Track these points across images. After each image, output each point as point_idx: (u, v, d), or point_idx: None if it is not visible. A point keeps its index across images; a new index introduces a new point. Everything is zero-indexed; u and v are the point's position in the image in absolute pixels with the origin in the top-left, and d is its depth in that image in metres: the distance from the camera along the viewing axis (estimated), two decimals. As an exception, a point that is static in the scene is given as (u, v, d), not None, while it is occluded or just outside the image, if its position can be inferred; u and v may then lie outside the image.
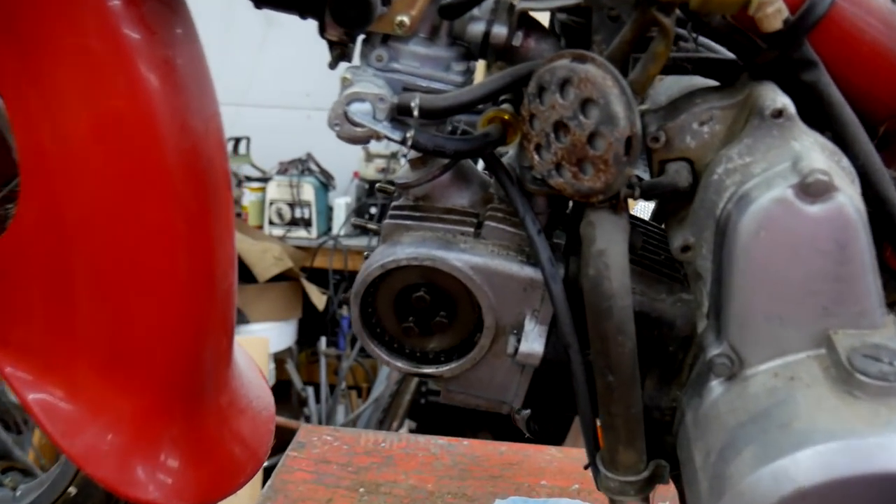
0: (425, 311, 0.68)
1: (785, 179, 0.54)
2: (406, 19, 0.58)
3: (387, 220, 0.67)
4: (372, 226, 0.73)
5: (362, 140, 0.62)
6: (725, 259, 0.56)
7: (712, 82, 0.66)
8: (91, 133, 0.66)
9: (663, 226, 0.72)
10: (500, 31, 0.61)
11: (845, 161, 0.57)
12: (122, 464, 0.70)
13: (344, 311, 3.36)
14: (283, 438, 2.12)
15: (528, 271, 0.64)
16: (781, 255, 0.54)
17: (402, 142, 0.60)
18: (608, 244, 0.59)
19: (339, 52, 0.65)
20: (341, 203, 3.41)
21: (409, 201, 0.69)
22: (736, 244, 0.55)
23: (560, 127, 0.58)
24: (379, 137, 0.60)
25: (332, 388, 3.23)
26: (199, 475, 0.74)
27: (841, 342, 0.54)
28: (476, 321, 0.68)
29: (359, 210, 3.38)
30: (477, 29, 0.61)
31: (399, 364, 0.70)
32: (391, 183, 0.76)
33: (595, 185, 0.57)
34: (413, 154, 0.69)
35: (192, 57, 0.68)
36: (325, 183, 3.49)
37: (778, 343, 0.56)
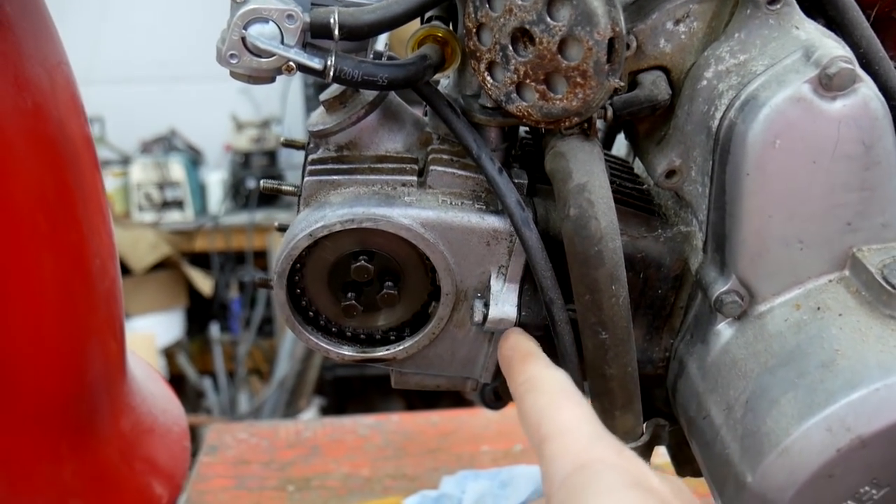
0: (368, 284, 0.55)
1: (799, 73, 0.45)
2: (308, -89, 0.45)
3: (307, 178, 0.54)
4: (288, 187, 0.59)
5: (266, 76, 0.48)
6: (731, 179, 0.47)
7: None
8: None
9: (634, 158, 0.62)
10: (430, -80, 0.48)
11: (848, 50, 0.48)
12: (1, 525, 0.55)
13: (232, 293, 3.16)
14: (187, 439, 1.95)
15: (491, 221, 0.53)
16: (801, 165, 0.45)
17: (321, 73, 0.47)
18: (588, 177, 0.48)
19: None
20: (215, 179, 3.18)
21: (331, 152, 0.56)
22: (745, 159, 0.46)
23: (520, 36, 0.46)
24: (290, 69, 0.47)
25: (230, 375, 3.05)
26: (106, 518, 0.59)
27: (869, 259, 0.46)
28: (431, 288, 0.56)
29: (234, 185, 3.16)
30: (401, -80, 0.48)
31: (343, 351, 0.58)
32: (295, 140, 0.62)
33: (570, 105, 0.46)
34: (328, 93, 0.55)
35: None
36: (195, 159, 3.24)
37: (795, 270, 0.48)
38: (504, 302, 0.55)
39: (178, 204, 3.09)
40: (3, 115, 0.48)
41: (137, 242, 2.80)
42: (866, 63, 0.49)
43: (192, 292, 3.06)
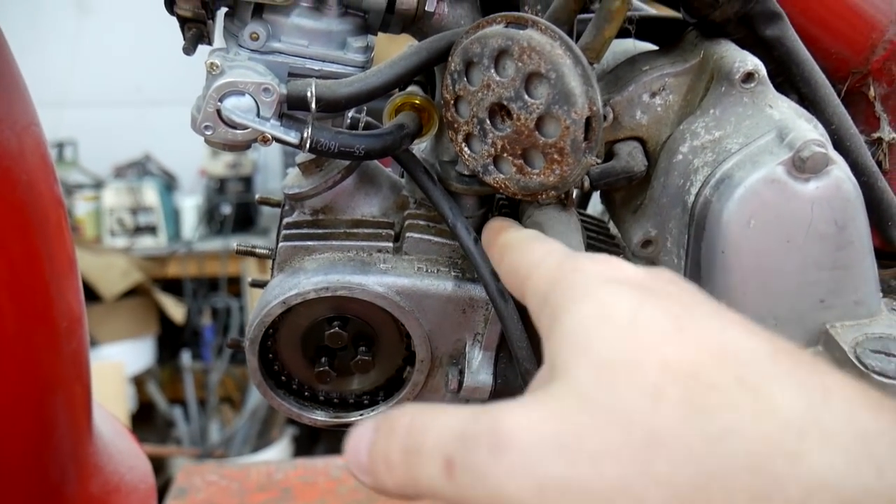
0: (342, 349, 0.55)
1: (773, 155, 0.45)
2: (287, -17, 0.44)
3: (282, 243, 0.53)
4: (261, 250, 0.58)
5: (242, 146, 0.48)
6: (706, 255, 0.47)
7: (650, 46, 0.56)
8: None
9: (609, 220, 0.62)
10: (409, -6, 0.48)
11: (821, 128, 0.49)
12: None
13: (205, 320, 3.12)
14: (155, 467, 1.91)
15: (467, 289, 0.53)
16: (775, 245, 0.46)
17: (299, 145, 0.46)
18: (566, 249, 0.48)
19: (196, 32, 0.50)
20: (189, 205, 3.15)
21: (306, 215, 0.55)
22: (719, 237, 0.46)
23: (498, 111, 0.46)
24: (266, 140, 0.46)
25: (201, 403, 3.00)
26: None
27: (842, 337, 0.47)
28: (406, 353, 0.56)
29: (209, 211, 3.13)
30: (379, -7, 0.48)
31: (315, 416, 0.57)
32: (270, 197, 0.61)
33: (547, 180, 0.46)
34: (304, 156, 0.55)
35: (-9, 51, 0.50)
36: (169, 184, 3.20)
37: (770, 345, 0.48)
38: (479, 370, 0.54)
39: (152, 229, 3.05)
40: (-32, 182, 0.47)
41: (108, 269, 2.75)
42: (838, 139, 0.50)
43: (164, 319, 3.02)
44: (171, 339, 3.10)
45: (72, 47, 3.19)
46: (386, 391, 0.57)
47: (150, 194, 3.01)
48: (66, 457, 0.59)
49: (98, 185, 3.09)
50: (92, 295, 2.75)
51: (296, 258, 0.53)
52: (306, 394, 0.57)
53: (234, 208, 3.08)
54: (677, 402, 0.27)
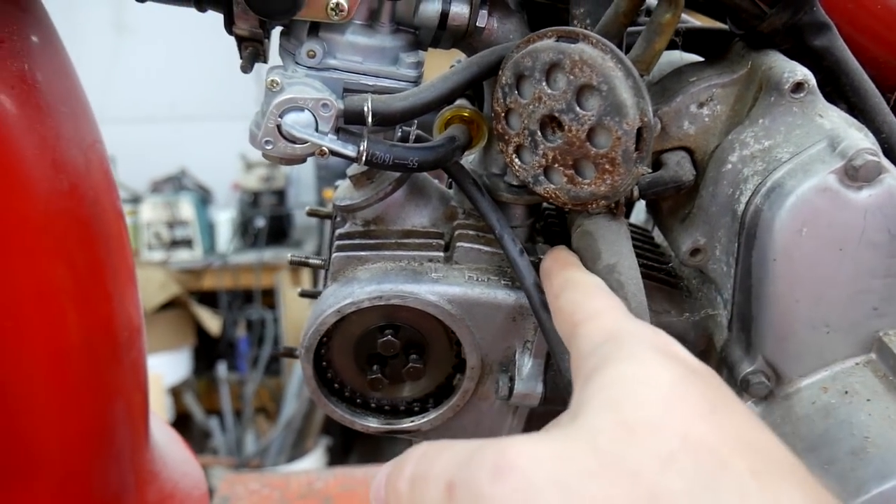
0: (394, 357, 0.56)
1: (824, 164, 0.45)
2: (343, 1, 0.46)
3: (335, 254, 0.55)
4: (314, 261, 0.60)
5: (299, 159, 0.49)
6: (757, 263, 0.48)
7: (696, 57, 0.57)
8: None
9: (654, 225, 0.63)
10: (460, 9, 0.49)
11: (871, 136, 0.49)
12: None
13: (240, 331, 3.16)
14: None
15: (516, 298, 0.53)
16: (827, 253, 0.46)
17: (356, 158, 0.48)
18: (618, 257, 0.49)
19: (253, 51, 0.52)
20: (224, 218, 3.20)
21: (358, 226, 0.57)
22: (771, 245, 0.47)
23: (549, 122, 0.47)
24: (323, 154, 0.48)
25: (237, 414, 3.03)
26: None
27: (896, 344, 0.47)
28: (456, 361, 0.57)
29: (243, 224, 3.18)
30: (432, 9, 0.49)
31: (368, 423, 0.58)
32: (320, 210, 0.63)
33: (598, 190, 0.47)
34: (355, 168, 0.56)
35: (58, 69, 0.53)
36: (204, 198, 3.26)
37: (822, 353, 0.49)
38: (530, 377, 0.55)
39: (188, 243, 3.11)
40: (41, 197, 0.49)
41: (146, 282, 2.80)
42: (888, 148, 0.50)
43: (200, 331, 3.07)
44: (208, 351, 3.14)
45: (109, 65, 3.27)
46: (436, 398, 0.58)
47: (186, 208, 3.07)
48: (125, 464, 0.61)
49: (135, 199, 3.16)
50: (130, 307, 2.81)
51: (349, 268, 0.55)
52: (358, 401, 0.58)
53: (268, 221, 3.13)
54: (687, 473, 0.28)
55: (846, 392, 0.47)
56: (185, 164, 3.32)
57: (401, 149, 0.49)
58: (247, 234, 3.17)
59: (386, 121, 0.47)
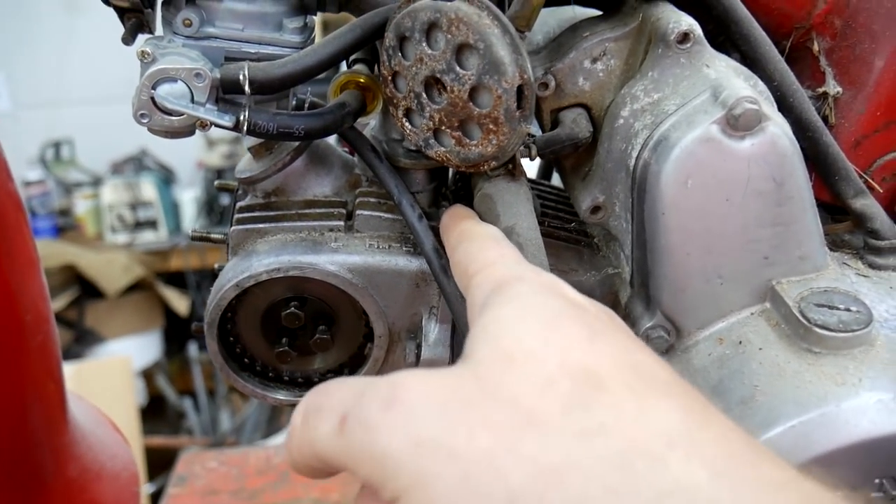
0: (301, 329, 0.55)
1: (707, 114, 0.45)
2: (216, -33, 0.44)
3: (234, 227, 0.54)
4: (216, 235, 0.59)
5: (182, 132, 0.48)
6: (648, 217, 0.48)
7: (592, 12, 0.56)
8: None
9: (560, 183, 0.62)
10: (340, -29, 0.48)
11: (761, 84, 0.49)
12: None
13: (211, 310, 3.14)
14: (167, 459, 1.92)
15: (418, 264, 0.53)
16: (714, 204, 0.46)
17: (235, 127, 0.47)
18: (516, 219, 0.48)
19: (136, 22, 0.50)
20: (188, 197, 3.16)
21: (259, 199, 0.56)
22: (659, 198, 0.46)
23: (433, 84, 0.46)
24: (203, 125, 0.47)
25: (211, 394, 3.03)
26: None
27: (787, 292, 0.47)
28: (366, 330, 0.56)
29: (208, 202, 3.14)
30: (311, -29, 0.48)
31: (279, 396, 0.58)
32: (228, 183, 0.62)
33: (486, 151, 0.46)
34: (252, 140, 0.55)
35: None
36: (167, 178, 3.22)
37: (717, 304, 0.49)
38: (437, 343, 0.55)
39: (152, 224, 3.07)
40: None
41: (110, 265, 2.77)
42: (781, 96, 0.50)
43: (169, 312, 3.04)
44: (178, 332, 3.12)
45: (63, 46, 3.19)
46: (350, 368, 0.58)
47: (149, 189, 3.03)
48: (41, 447, 0.61)
49: (96, 182, 3.11)
50: (95, 292, 2.78)
51: (248, 241, 0.54)
52: (270, 375, 0.58)
53: (233, 198, 3.09)
54: (563, 395, 0.28)
55: (740, 342, 0.47)
56: (146, 143, 3.26)
57: (285, 117, 0.48)
58: (212, 212, 3.14)
59: (265, 88, 0.46)
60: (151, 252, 3.02)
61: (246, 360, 0.57)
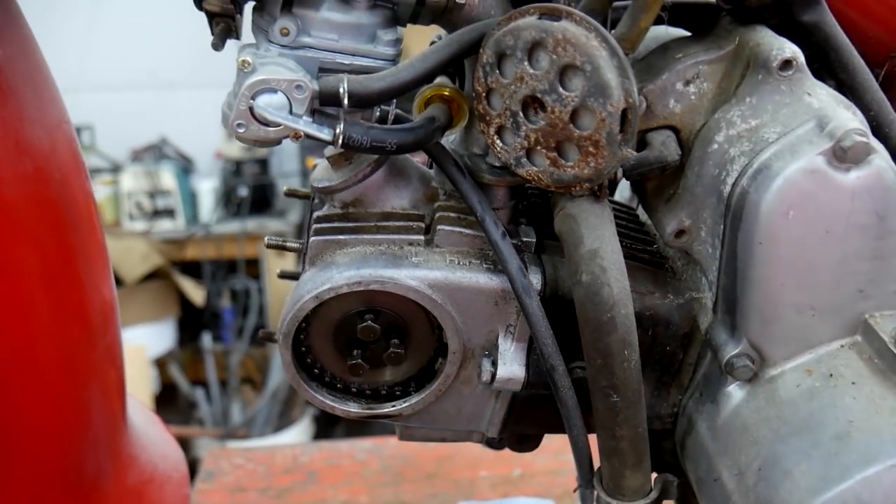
0: (374, 342, 0.55)
1: (812, 144, 0.44)
2: (317, -24, 0.44)
3: (313, 237, 0.53)
4: (293, 244, 0.58)
5: (274, 142, 0.47)
6: (742, 246, 0.47)
7: (682, 32, 0.55)
8: None
9: (637, 205, 0.62)
10: (439, -16, 0.47)
11: (859, 114, 0.48)
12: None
13: (224, 302, 3.14)
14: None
15: (498, 282, 0.52)
16: (814, 236, 0.45)
17: (332, 141, 0.46)
18: (600, 242, 0.48)
19: (224, 27, 0.50)
20: (206, 187, 3.16)
21: (336, 209, 0.55)
22: (757, 228, 0.46)
23: (531, 103, 0.46)
24: (297, 136, 0.46)
25: (223, 384, 3.03)
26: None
27: (882, 327, 0.46)
28: (437, 345, 0.56)
29: (226, 193, 3.14)
30: (409, -16, 0.47)
31: (349, 408, 0.57)
32: (298, 190, 0.61)
33: (582, 173, 0.46)
34: (332, 149, 0.55)
35: (20, 47, 0.50)
36: (186, 167, 3.21)
37: (807, 335, 0.48)
38: (512, 361, 0.54)
39: (170, 212, 3.06)
40: (3, 181, 0.47)
41: (128, 252, 2.77)
42: (877, 126, 0.49)
43: (184, 302, 3.04)
44: (192, 322, 3.12)
45: (86, 32, 3.19)
46: (418, 382, 0.57)
47: (168, 178, 3.02)
48: (102, 449, 0.60)
49: (115, 169, 3.11)
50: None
51: (327, 252, 0.53)
52: (339, 386, 0.58)
53: (251, 190, 3.09)
54: None
55: (831, 375, 0.47)
56: (166, 132, 3.26)
57: (378, 131, 0.47)
58: (230, 203, 3.13)
59: (363, 102, 0.46)
60: (168, 241, 3.02)
61: (316, 370, 0.57)
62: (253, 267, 3.11)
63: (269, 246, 0.58)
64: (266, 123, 0.45)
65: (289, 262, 3.04)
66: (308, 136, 0.45)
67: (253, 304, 3.09)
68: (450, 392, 0.57)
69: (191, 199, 3.14)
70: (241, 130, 0.45)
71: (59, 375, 0.56)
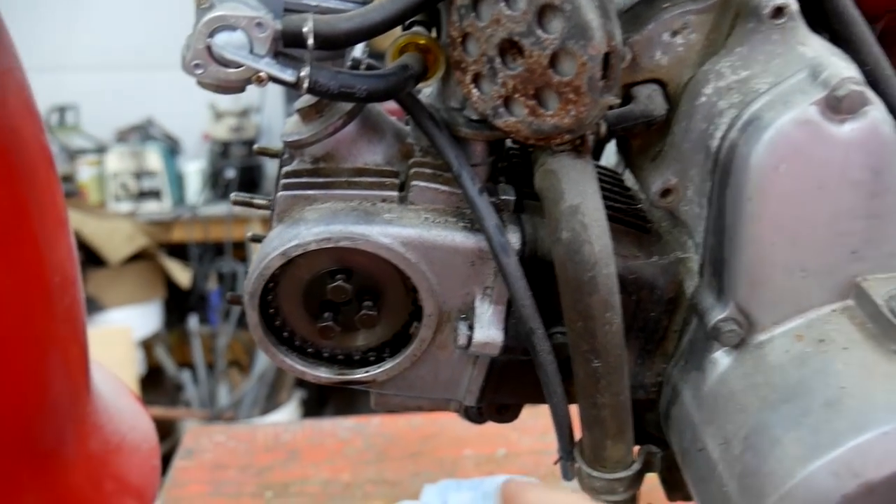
0: (346, 304, 0.52)
1: (805, 94, 0.42)
2: None
3: (281, 192, 0.51)
4: (259, 200, 0.56)
5: (235, 87, 0.45)
6: (731, 203, 0.45)
7: (671, -18, 0.53)
8: None
9: (624, 168, 0.59)
10: (413, -79, 0.45)
11: (854, 68, 0.46)
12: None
13: (211, 284, 3.11)
14: (164, 430, 1.90)
15: (475, 241, 0.50)
16: (806, 190, 0.43)
17: (295, 84, 0.43)
18: (581, 198, 0.45)
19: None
20: (193, 169, 3.12)
21: (307, 164, 0.53)
22: (746, 183, 0.43)
23: (509, 48, 0.43)
24: (261, 80, 0.43)
25: (210, 367, 3.00)
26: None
27: (875, 290, 0.44)
28: (412, 308, 0.53)
29: (213, 175, 3.10)
30: (381, -80, 0.44)
31: (319, 373, 0.55)
32: (268, 148, 0.59)
33: (562, 122, 0.43)
34: (303, 101, 0.52)
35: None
36: (172, 148, 3.18)
37: (797, 299, 0.46)
38: (490, 325, 0.52)
39: (156, 194, 3.03)
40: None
41: (113, 233, 2.74)
42: (873, 82, 0.46)
43: (170, 284, 3.01)
44: (178, 304, 3.10)
45: (72, 11, 3.14)
46: (392, 347, 0.55)
47: (154, 158, 2.99)
48: (62, 416, 0.58)
49: (101, 149, 3.07)
50: (97, 260, 2.74)
51: (296, 208, 0.51)
52: (310, 350, 0.55)
53: (239, 172, 3.05)
54: None
55: (821, 340, 0.44)
56: (152, 113, 3.21)
57: (348, 76, 0.45)
58: (217, 185, 3.10)
59: (329, 43, 0.43)
60: (154, 222, 2.98)
61: (285, 334, 0.54)
62: (240, 250, 3.08)
63: (235, 202, 0.55)
64: (225, 64, 0.42)
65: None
66: (271, 78, 0.43)
67: (240, 286, 3.05)
68: (425, 357, 0.54)
69: (177, 181, 3.11)
70: (199, 72, 0.42)
71: (14, 339, 0.53)
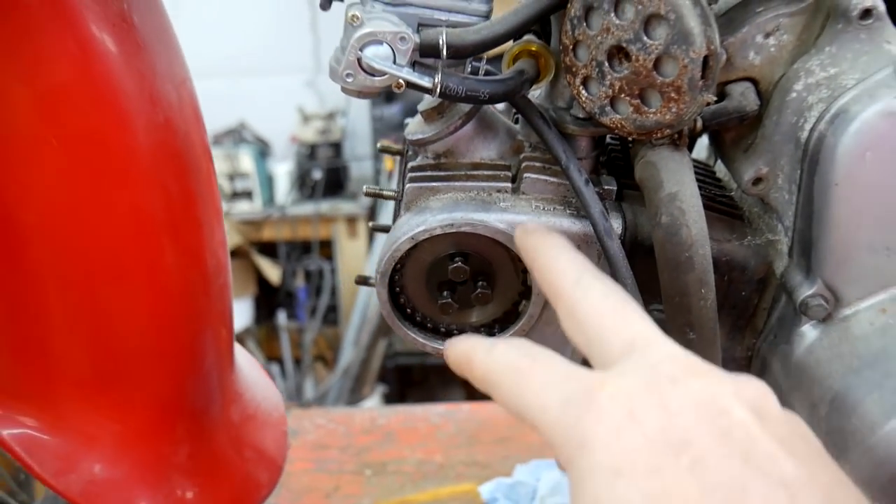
0: (463, 284, 0.59)
1: (890, 88, 0.46)
2: (418, -62, 0.48)
3: (409, 184, 0.58)
4: (388, 192, 0.63)
5: (375, 93, 0.52)
6: (819, 188, 0.49)
7: (762, -12, 0.57)
8: (38, 117, 0.53)
9: (715, 161, 0.64)
10: (530, -56, 0.51)
11: (939, 63, 0.50)
12: (129, 499, 0.60)
13: (298, 282, 3.25)
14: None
15: (581, 226, 0.56)
16: (890, 176, 0.47)
17: (429, 90, 0.50)
18: (679, 186, 0.51)
19: (331, -11, 0.54)
20: (282, 170, 3.27)
21: (429, 159, 0.60)
22: (834, 170, 0.48)
23: (616, 53, 0.49)
24: (399, 86, 0.50)
25: (297, 361, 3.14)
26: (218, 500, 0.64)
27: (957, 267, 0.48)
28: (522, 288, 0.60)
29: (301, 176, 3.24)
30: (502, -56, 0.51)
31: (438, 345, 0.61)
32: (391, 146, 0.66)
33: (663, 119, 0.49)
34: (425, 104, 0.59)
35: (151, 7, 0.56)
36: (263, 150, 3.33)
37: (882, 275, 0.50)
38: (593, 302, 0.57)
39: (248, 194, 3.19)
40: (140, 130, 0.53)
41: (210, 232, 2.89)
42: (956, 75, 0.50)
43: (261, 280, 3.16)
44: (268, 300, 3.25)
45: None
46: (502, 324, 0.61)
47: (246, 161, 3.14)
48: (213, 383, 0.66)
49: (198, 152, 3.23)
50: (194, 257, 2.91)
51: (421, 198, 0.58)
52: (429, 326, 0.62)
53: (325, 173, 3.18)
54: None
55: (905, 313, 0.48)
56: (244, 117, 3.38)
57: (473, 81, 0.51)
58: (304, 186, 3.24)
59: (459, 53, 0.50)
60: (246, 222, 3.14)
61: (408, 310, 0.61)
62: (326, 248, 3.21)
63: (367, 194, 0.63)
64: (372, 73, 0.49)
65: (360, 244, 3.12)
66: (410, 84, 0.50)
67: (326, 284, 3.19)
68: (532, 333, 0.60)
69: (267, 182, 3.26)
70: (349, 80, 0.50)
71: (179, 313, 0.62)
